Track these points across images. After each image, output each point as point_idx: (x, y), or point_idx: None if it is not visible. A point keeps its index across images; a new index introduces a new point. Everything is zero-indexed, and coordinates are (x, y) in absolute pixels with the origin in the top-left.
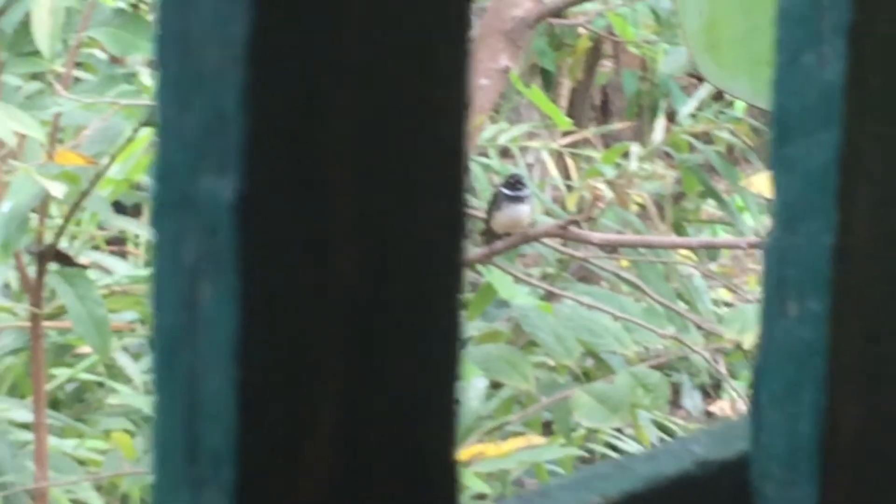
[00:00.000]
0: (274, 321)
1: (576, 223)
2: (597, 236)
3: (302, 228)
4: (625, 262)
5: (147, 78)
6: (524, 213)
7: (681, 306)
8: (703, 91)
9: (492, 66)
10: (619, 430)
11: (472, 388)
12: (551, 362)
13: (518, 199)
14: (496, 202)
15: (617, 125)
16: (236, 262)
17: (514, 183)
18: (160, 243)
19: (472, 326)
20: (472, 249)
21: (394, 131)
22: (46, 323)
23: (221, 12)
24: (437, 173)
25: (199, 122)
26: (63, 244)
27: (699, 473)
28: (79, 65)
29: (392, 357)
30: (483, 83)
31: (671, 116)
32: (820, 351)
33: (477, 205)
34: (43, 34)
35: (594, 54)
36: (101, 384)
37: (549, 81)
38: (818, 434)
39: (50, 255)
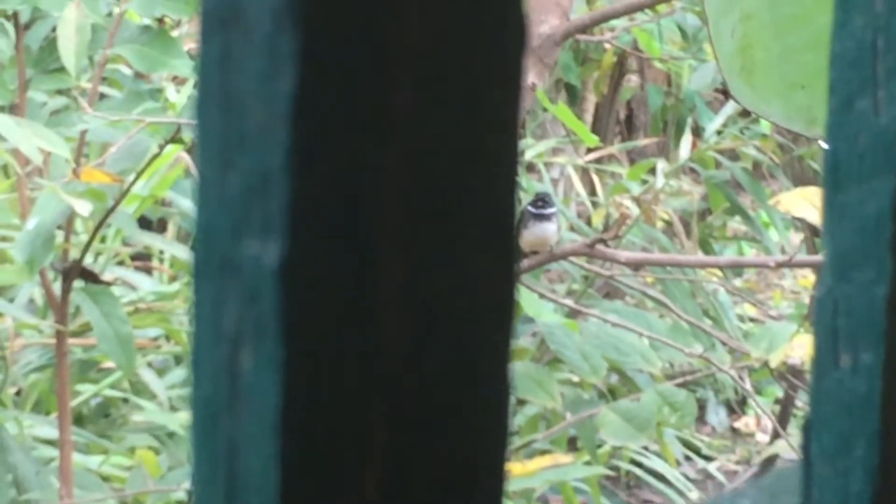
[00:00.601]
0: (318, 391)
1: (602, 241)
2: (624, 255)
3: (348, 295)
4: (650, 279)
5: (173, 94)
6: (551, 231)
7: (706, 323)
8: (730, 107)
9: None
10: (644, 447)
11: None
12: (576, 378)
13: (544, 218)
14: (522, 220)
15: (642, 141)
16: (279, 330)
17: (541, 201)
18: (199, 309)
19: None
20: None
21: (445, 190)
22: (71, 340)
23: (266, 68)
24: (489, 234)
25: (242, 183)
26: (88, 261)
27: None
28: (105, 80)
29: (440, 426)
30: None
31: (697, 132)
32: (873, 404)
33: None
34: (69, 51)
35: (619, 69)
36: (125, 400)
37: (573, 96)
38: (870, 490)
39: (75, 272)
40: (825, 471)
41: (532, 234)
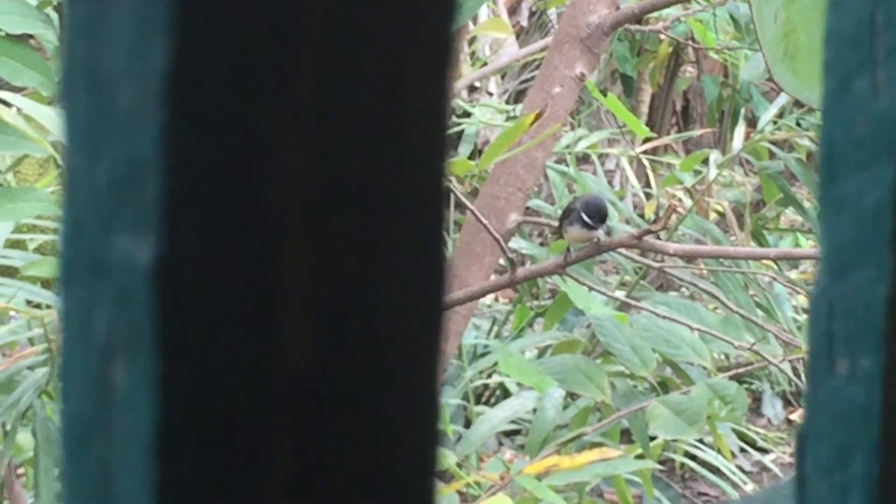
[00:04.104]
0: (201, 409)
1: (651, 233)
2: (672, 247)
3: (238, 298)
4: (704, 270)
5: None
6: (594, 235)
7: (759, 315)
8: (784, 97)
9: (567, 73)
10: (699, 440)
11: (549, 398)
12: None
13: (592, 227)
14: (571, 218)
15: (697, 131)
16: (155, 339)
17: (597, 217)
18: (68, 315)
19: (548, 335)
20: (548, 258)
21: (356, 180)
22: None
23: (137, 41)
24: (411, 229)
25: (112, 173)
26: None
27: None
28: None
29: (353, 450)
30: (557, 91)
31: (753, 122)
32: (872, 414)
33: (552, 211)
34: None
35: (675, 60)
36: None
37: (629, 87)
38: None
39: None
40: (821, 486)
41: (577, 232)
